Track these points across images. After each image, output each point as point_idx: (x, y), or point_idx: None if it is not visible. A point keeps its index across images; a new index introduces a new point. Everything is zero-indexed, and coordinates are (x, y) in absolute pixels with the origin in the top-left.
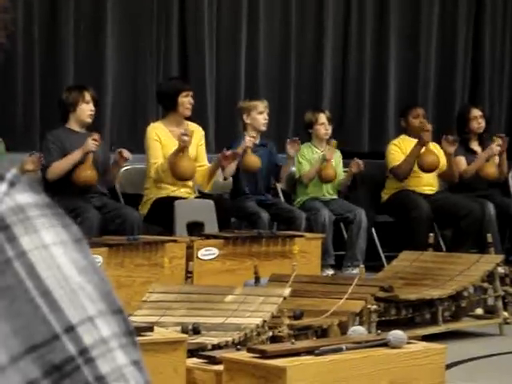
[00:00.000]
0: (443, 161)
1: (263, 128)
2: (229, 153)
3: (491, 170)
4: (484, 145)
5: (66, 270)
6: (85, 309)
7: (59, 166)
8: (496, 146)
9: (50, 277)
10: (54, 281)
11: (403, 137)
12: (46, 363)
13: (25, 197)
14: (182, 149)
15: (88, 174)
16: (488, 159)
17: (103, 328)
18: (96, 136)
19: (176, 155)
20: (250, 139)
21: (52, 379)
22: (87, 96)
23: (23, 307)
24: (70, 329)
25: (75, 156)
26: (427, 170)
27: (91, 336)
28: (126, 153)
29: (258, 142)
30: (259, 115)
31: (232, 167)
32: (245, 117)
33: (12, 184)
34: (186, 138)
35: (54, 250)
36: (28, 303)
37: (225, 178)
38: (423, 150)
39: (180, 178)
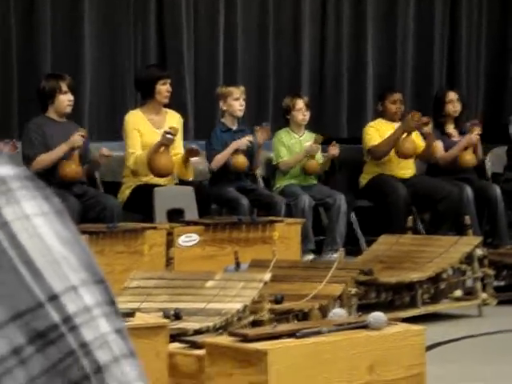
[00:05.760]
0: (420, 148)
1: (239, 114)
2: (193, 148)
3: (469, 157)
4: (460, 128)
5: (48, 240)
6: (68, 278)
7: (44, 160)
8: (475, 135)
9: (33, 247)
10: (36, 250)
11: (379, 120)
12: (30, 330)
13: (6, 169)
14: (164, 145)
15: (73, 169)
16: (467, 148)
17: (86, 297)
18: (83, 132)
19: (156, 151)
20: (246, 143)
21: (36, 346)
22: (64, 87)
23: (7, 276)
24: (53, 297)
25: (61, 150)
26: (402, 156)
27: (75, 304)
28: (105, 151)
29: (235, 127)
30: (235, 101)
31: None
32: (221, 103)
33: None
34: (170, 136)
35: (35, 220)
36: (11, 272)
37: (211, 171)
38: (404, 135)
39: (158, 174)
